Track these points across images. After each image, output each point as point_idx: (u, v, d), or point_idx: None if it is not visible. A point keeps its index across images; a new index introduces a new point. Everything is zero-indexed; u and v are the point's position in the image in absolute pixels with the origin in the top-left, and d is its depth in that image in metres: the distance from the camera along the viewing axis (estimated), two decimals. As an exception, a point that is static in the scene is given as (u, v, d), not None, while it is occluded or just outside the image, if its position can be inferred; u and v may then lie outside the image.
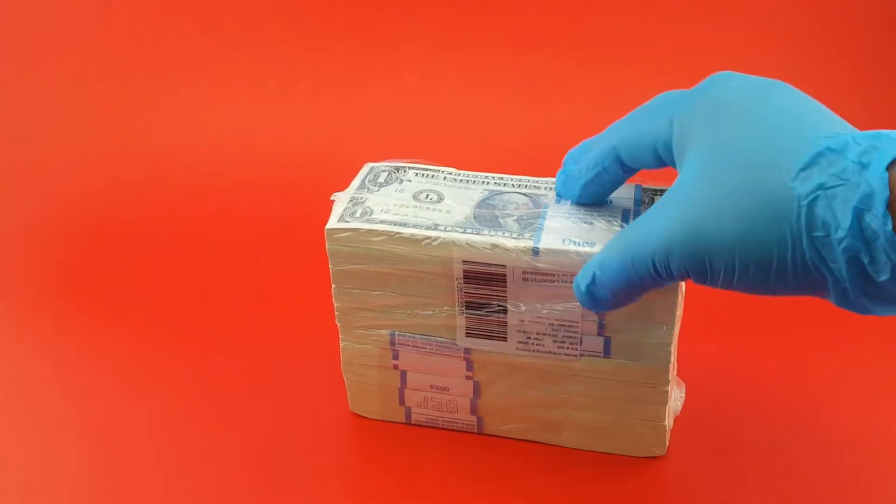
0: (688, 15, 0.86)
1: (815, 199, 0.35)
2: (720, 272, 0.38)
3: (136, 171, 0.83)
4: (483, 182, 0.52)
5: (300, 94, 0.86)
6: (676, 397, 0.55)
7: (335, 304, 0.52)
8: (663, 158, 0.43)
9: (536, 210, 0.49)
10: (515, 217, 0.49)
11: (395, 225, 0.49)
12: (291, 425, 0.57)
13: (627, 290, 0.42)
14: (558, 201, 0.50)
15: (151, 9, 0.87)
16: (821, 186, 0.35)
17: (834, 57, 0.84)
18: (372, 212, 0.50)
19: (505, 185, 0.52)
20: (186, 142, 0.85)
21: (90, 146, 0.85)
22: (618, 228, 0.48)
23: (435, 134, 0.83)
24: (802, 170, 0.35)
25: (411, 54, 0.87)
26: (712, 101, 0.40)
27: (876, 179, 0.34)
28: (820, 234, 0.35)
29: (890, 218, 0.33)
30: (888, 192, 0.33)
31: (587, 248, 0.46)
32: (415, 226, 0.49)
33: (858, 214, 0.34)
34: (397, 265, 0.49)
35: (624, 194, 0.51)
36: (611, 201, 0.50)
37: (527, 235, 0.47)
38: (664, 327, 0.48)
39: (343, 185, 0.53)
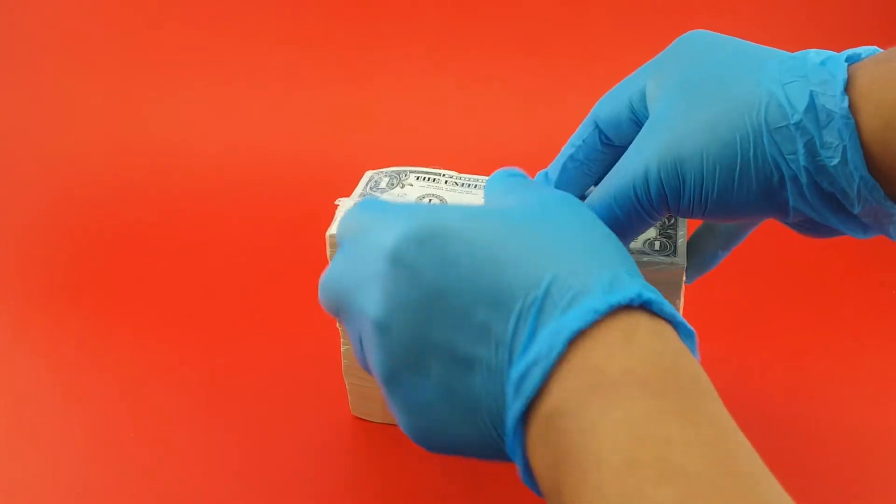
0: (688, 16, 0.86)
1: (774, 94, 0.37)
2: (691, 182, 0.39)
3: (137, 172, 0.83)
4: (483, 186, 0.52)
5: (301, 94, 0.86)
6: None
7: (336, 309, 0.52)
8: (639, 116, 0.44)
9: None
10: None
11: None
12: (293, 429, 0.57)
13: (615, 231, 0.41)
14: None
15: (152, 9, 0.87)
16: (781, 82, 0.37)
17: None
18: (373, 216, 0.50)
19: (506, 190, 0.52)
20: (187, 142, 0.84)
21: (90, 146, 0.85)
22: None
23: (436, 135, 0.83)
24: (766, 74, 0.38)
25: (412, 55, 0.86)
26: (679, 50, 0.42)
27: (835, 66, 0.36)
28: (780, 123, 0.37)
29: (847, 98, 0.35)
30: (846, 76, 0.36)
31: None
32: None
33: (814, 97, 0.36)
34: None
35: None
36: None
37: None
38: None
39: (344, 186, 0.53)
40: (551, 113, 0.84)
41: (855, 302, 0.67)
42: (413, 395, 0.35)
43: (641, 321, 0.32)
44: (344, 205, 0.51)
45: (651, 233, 0.47)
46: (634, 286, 0.32)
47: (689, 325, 0.33)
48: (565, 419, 0.30)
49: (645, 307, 0.32)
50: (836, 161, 0.36)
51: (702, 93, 0.39)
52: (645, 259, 0.46)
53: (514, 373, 0.32)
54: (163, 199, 0.80)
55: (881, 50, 0.38)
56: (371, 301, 0.35)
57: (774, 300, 0.68)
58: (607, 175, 0.43)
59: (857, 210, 0.38)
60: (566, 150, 0.47)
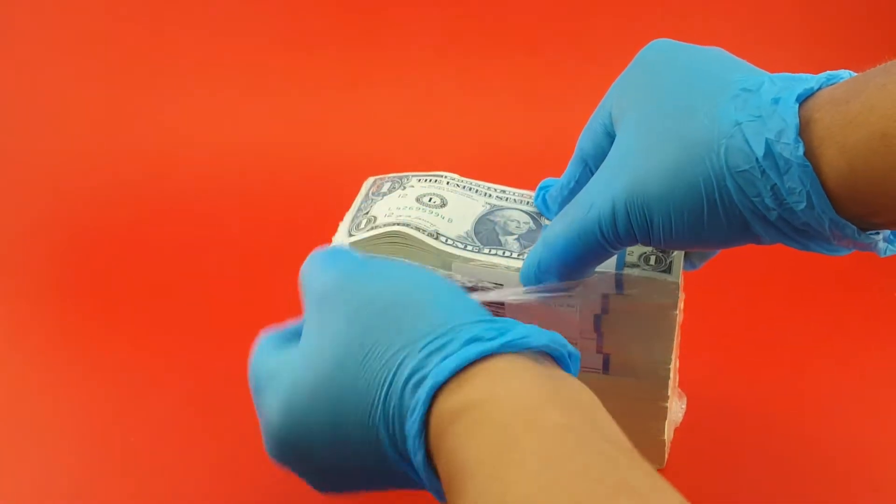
0: (689, 16, 0.85)
1: (732, 137, 0.36)
2: (659, 224, 0.38)
3: (135, 173, 0.82)
4: (485, 194, 0.52)
5: (302, 97, 0.85)
6: (677, 409, 0.55)
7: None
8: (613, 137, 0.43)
9: (536, 230, 0.49)
10: (516, 236, 0.48)
11: (396, 225, 0.48)
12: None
13: (576, 265, 0.42)
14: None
15: (152, 9, 0.86)
16: (737, 123, 0.36)
17: (834, 57, 0.83)
18: (376, 219, 0.49)
19: (507, 199, 0.51)
20: (187, 144, 0.84)
21: (90, 146, 0.84)
22: None
23: (436, 137, 0.82)
24: (721, 111, 0.37)
25: (414, 58, 0.86)
26: (642, 65, 0.42)
27: (787, 111, 0.36)
28: (741, 167, 0.36)
29: (801, 144, 0.35)
30: (797, 121, 0.35)
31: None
32: (417, 228, 0.48)
33: (770, 145, 0.35)
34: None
35: None
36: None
37: (526, 255, 0.47)
38: (663, 346, 0.48)
39: (345, 189, 0.53)
40: (553, 115, 0.83)
41: (855, 307, 0.67)
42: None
43: (450, 403, 0.32)
44: (345, 219, 0.51)
45: (647, 247, 0.47)
46: (426, 383, 0.33)
47: (496, 344, 0.33)
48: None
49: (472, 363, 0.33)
50: (802, 206, 0.36)
51: (661, 129, 0.39)
52: (638, 274, 0.46)
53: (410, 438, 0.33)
54: (162, 200, 0.80)
55: (832, 76, 0.37)
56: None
57: (774, 306, 0.67)
58: (567, 206, 0.42)
59: (833, 243, 0.37)
60: (561, 192, 0.47)
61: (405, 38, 0.85)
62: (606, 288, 0.46)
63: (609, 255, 0.42)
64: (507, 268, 0.47)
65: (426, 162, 0.55)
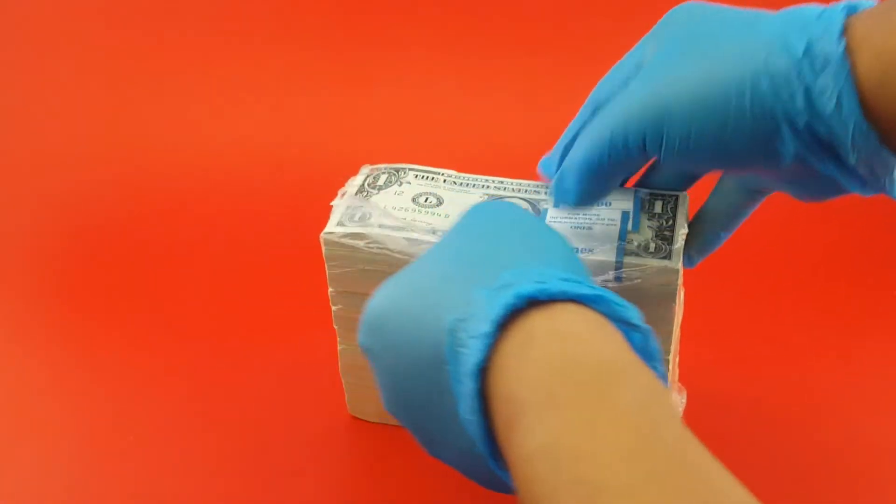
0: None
1: (773, 42, 0.37)
2: (680, 126, 0.38)
3: (136, 172, 0.83)
4: (483, 186, 0.52)
5: (300, 94, 0.86)
6: (676, 403, 0.55)
7: (332, 308, 0.52)
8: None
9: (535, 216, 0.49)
10: (514, 223, 0.49)
11: (392, 229, 0.48)
12: (291, 428, 0.57)
13: (590, 174, 0.43)
14: (557, 206, 0.50)
15: (151, 8, 0.87)
16: (780, 32, 0.37)
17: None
18: (370, 216, 0.50)
19: (504, 189, 0.52)
20: (186, 142, 0.84)
21: (90, 146, 0.85)
22: (616, 232, 0.47)
23: (435, 135, 0.83)
24: (764, 23, 0.38)
25: (412, 55, 0.86)
26: (673, 17, 0.42)
27: (833, 15, 0.36)
28: (779, 66, 0.36)
29: (844, 41, 0.35)
30: (841, 25, 0.36)
31: (586, 254, 0.46)
32: (413, 230, 0.48)
33: (811, 43, 0.36)
34: (394, 270, 0.49)
35: (623, 197, 0.51)
36: (609, 203, 0.50)
37: None
38: (662, 337, 0.48)
39: (343, 186, 0.53)
40: (551, 112, 0.83)
41: (856, 302, 0.67)
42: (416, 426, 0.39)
43: (536, 323, 0.32)
44: (339, 206, 0.51)
45: (647, 234, 0.47)
46: (513, 288, 0.33)
47: (592, 292, 0.33)
48: (508, 455, 0.31)
49: (538, 300, 0.33)
50: (831, 107, 0.36)
51: (698, 44, 0.39)
52: (638, 261, 0.46)
53: (462, 421, 0.34)
54: (159, 198, 0.80)
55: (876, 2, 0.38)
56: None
57: (775, 300, 0.67)
58: (592, 121, 0.43)
59: (852, 160, 0.37)
60: (565, 136, 0.48)
61: (405, 37, 0.86)
62: (605, 276, 0.46)
63: (622, 173, 0.43)
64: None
65: (425, 159, 0.55)
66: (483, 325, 0.32)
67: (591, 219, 0.49)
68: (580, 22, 0.85)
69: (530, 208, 0.50)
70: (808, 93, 0.36)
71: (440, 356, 0.34)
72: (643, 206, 0.49)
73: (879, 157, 0.37)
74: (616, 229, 0.47)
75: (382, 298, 0.38)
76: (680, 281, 0.47)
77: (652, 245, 0.46)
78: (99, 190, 0.81)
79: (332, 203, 0.51)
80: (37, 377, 0.62)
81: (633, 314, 0.34)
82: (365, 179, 0.53)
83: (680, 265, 0.46)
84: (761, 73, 0.37)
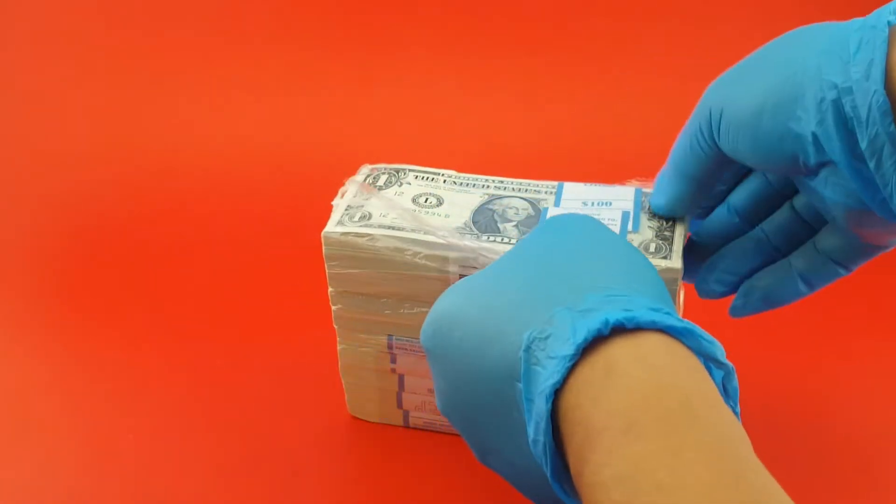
0: (688, 15, 0.86)
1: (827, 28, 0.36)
2: (724, 126, 0.39)
3: (136, 172, 0.83)
4: (483, 186, 0.52)
5: (300, 94, 0.86)
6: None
7: (332, 308, 0.52)
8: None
9: (535, 216, 0.49)
10: (514, 223, 0.49)
11: (392, 229, 0.48)
12: (290, 428, 0.57)
13: (677, 173, 0.43)
14: (557, 205, 0.50)
15: (151, 8, 0.87)
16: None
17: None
18: (370, 216, 0.50)
19: (505, 188, 0.52)
20: (186, 142, 0.84)
21: (90, 146, 0.85)
22: (616, 231, 0.47)
23: (436, 135, 0.83)
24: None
25: (412, 55, 0.86)
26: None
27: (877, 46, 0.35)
28: (827, 47, 0.36)
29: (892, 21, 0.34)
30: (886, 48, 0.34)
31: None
32: (413, 230, 0.48)
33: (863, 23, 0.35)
34: (394, 270, 0.49)
35: (623, 196, 0.51)
36: (610, 203, 0.50)
37: None
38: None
39: (342, 187, 0.53)
40: (551, 112, 0.84)
41: (855, 303, 0.67)
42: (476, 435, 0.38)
43: (619, 350, 0.32)
44: (339, 206, 0.51)
45: (647, 234, 0.47)
46: (600, 314, 0.32)
47: (681, 325, 0.33)
48: (578, 482, 0.31)
49: (625, 328, 0.32)
50: (859, 74, 0.35)
51: (765, 53, 0.40)
52: None
53: (529, 439, 0.33)
54: (159, 198, 0.80)
55: None
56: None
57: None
58: None
59: (863, 144, 0.35)
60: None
61: (405, 37, 0.86)
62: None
63: (705, 174, 0.42)
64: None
65: (425, 159, 0.55)
66: (565, 347, 0.32)
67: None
68: (580, 22, 0.85)
69: (530, 207, 0.50)
70: (845, 69, 0.35)
71: (511, 370, 0.34)
72: (644, 206, 0.49)
73: (889, 144, 0.36)
74: (616, 229, 0.47)
75: (452, 302, 0.37)
76: (679, 282, 0.47)
77: (652, 245, 0.46)
78: (99, 190, 0.81)
79: (332, 203, 0.51)
80: (37, 377, 0.62)
81: (719, 351, 0.34)
82: (364, 179, 0.53)
83: (680, 265, 0.46)
84: (826, 89, 0.36)
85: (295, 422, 0.57)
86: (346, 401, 0.57)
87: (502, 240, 0.47)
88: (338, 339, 0.54)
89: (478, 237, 0.48)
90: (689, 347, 0.33)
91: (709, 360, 0.34)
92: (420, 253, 0.48)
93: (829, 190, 0.38)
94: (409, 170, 0.54)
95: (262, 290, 0.69)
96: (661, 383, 0.30)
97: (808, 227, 0.46)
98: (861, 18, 0.37)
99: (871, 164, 0.35)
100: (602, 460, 0.29)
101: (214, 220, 0.78)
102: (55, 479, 0.54)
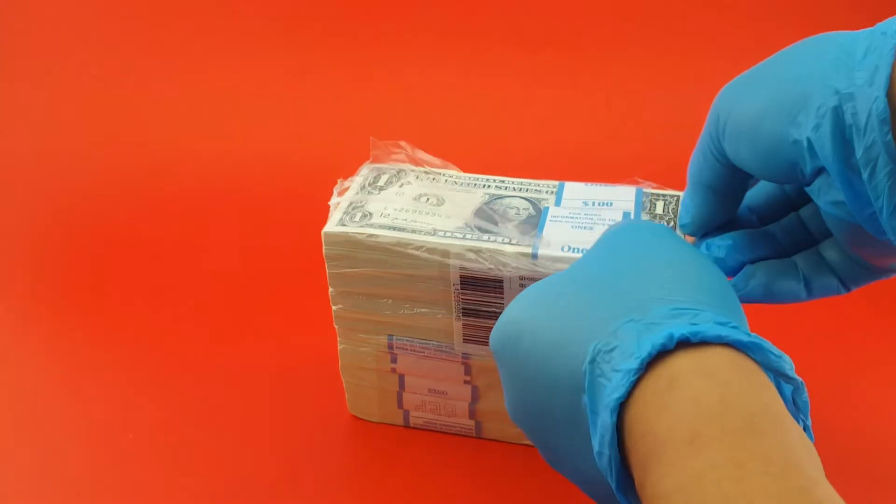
0: (688, 15, 0.85)
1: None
2: (726, 138, 0.38)
3: (136, 172, 0.83)
4: (484, 185, 0.52)
5: (300, 95, 0.86)
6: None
7: (333, 308, 0.52)
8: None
9: (536, 215, 0.49)
10: (515, 223, 0.49)
11: (393, 230, 0.48)
12: (291, 428, 0.57)
13: (696, 185, 0.42)
14: (558, 205, 0.50)
15: (151, 9, 0.87)
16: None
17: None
18: (371, 215, 0.49)
19: (506, 188, 0.52)
20: (186, 143, 0.84)
21: (90, 146, 0.85)
22: None
23: (436, 134, 0.83)
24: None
25: (413, 55, 0.86)
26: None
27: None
28: (835, 56, 0.35)
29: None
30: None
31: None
32: (413, 230, 0.48)
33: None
34: (395, 269, 0.49)
35: (624, 196, 0.50)
36: (611, 203, 0.50)
37: (525, 241, 0.47)
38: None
39: (341, 186, 0.53)
40: (551, 112, 0.84)
41: (857, 304, 0.66)
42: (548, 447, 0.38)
43: (684, 363, 0.31)
44: (339, 206, 0.51)
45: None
46: (665, 328, 0.32)
47: (748, 339, 0.32)
48: (642, 493, 0.31)
49: (690, 342, 0.32)
50: (862, 80, 0.34)
51: (774, 62, 0.39)
52: None
53: (594, 451, 0.33)
54: (160, 199, 0.80)
55: None
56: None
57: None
58: None
59: (859, 153, 0.34)
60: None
61: (406, 37, 0.86)
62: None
63: (724, 186, 0.41)
64: (506, 253, 0.47)
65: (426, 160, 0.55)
66: (629, 361, 0.32)
67: (592, 219, 0.49)
68: (581, 22, 0.85)
69: (530, 207, 0.50)
70: (850, 74, 0.34)
71: (576, 381, 0.34)
72: (644, 207, 0.49)
73: (885, 155, 0.36)
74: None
75: (521, 310, 0.37)
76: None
77: None
78: (99, 190, 0.81)
79: (329, 202, 0.51)
80: (36, 376, 0.62)
81: (788, 366, 0.33)
82: (366, 179, 0.53)
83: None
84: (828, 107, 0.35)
85: (295, 421, 0.57)
86: (346, 401, 0.57)
87: (503, 240, 0.47)
88: (338, 339, 0.54)
89: (479, 237, 0.47)
90: (757, 362, 0.33)
91: (777, 375, 0.33)
92: (420, 253, 0.48)
93: (822, 200, 0.38)
94: (410, 169, 0.54)
95: (262, 291, 0.69)
96: (726, 398, 0.30)
97: (814, 237, 0.46)
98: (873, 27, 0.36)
99: (865, 175, 0.35)
100: (665, 471, 0.29)
101: (215, 221, 0.78)
102: (56, 478, 0.54)
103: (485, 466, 0.54)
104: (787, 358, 0.33)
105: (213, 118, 0.86)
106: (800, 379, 0.34)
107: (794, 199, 0.45)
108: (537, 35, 0.86)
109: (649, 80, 0.85)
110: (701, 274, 0.37)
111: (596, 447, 0.33)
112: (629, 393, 0.32)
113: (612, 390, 0.32)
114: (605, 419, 0.32)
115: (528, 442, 0.55)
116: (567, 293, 0.37)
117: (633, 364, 0.31)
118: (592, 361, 0.33)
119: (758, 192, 0.46)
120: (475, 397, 0.53)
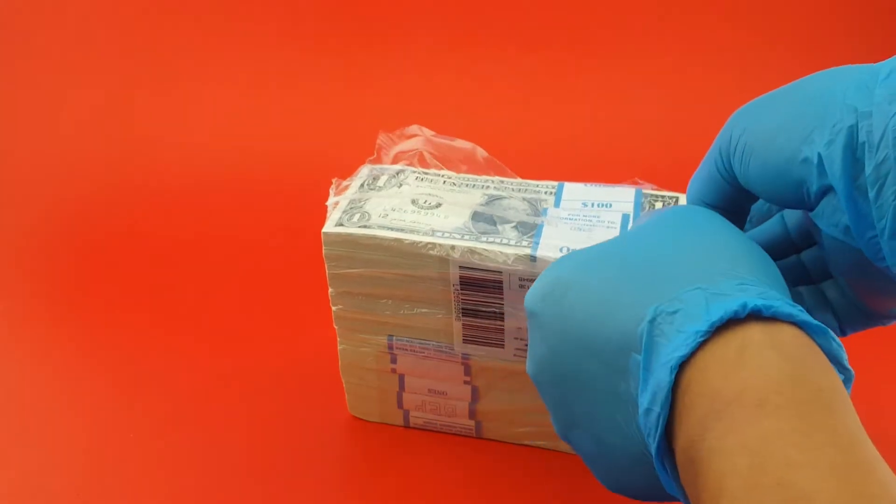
0: (688, 15, 0.85)
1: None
2: (751, 150, 0.38)
3: (136, 172, 0.83)
4: (483, 186, 0.52)
5: (300, 94, 0.86)
6: None
7: (332, 308, 0.52)
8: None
9: (535, 216, 0.49)
10: (514, 223, 0.49)
11: (391, 230, 0.48)
12: (291, 428, 0.57)
13: (706, 194, 0.42)
14: (557, 206, 0.50)
15: (151, 9, 0.87)
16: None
17: (836, 60, 0.84)
18: (370, 216, 0.50)
19: (505, 189, 0.52)
20: (186, 142, 0.85)
21: (90, 147, 0.85)
22: (616, 234, 0.47)
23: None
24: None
25: (413, 55, 0.86)
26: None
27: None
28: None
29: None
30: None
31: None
32: (412, 231, 0.48)
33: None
34: (394, 270, 0.49)
35: (623, 198, 0.50)
36: (610, 205, 0.50)
37: (524, 242, 0.47)
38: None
39: (339, 186, 0.53)
40: (551, 112, 0.84)
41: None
42: (581, 436, 0.38)
43: (755, 333, 0.32)
44: (339, 206, 0.51)
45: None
46: (737, 298, 0.32)
47: (815, 322, 0.33)
48: (693, 449, 0.31)
49: (761, 315, 0.32)
50: (881, 98, 0.34)
51: (790, 89, 0.39)
52: None
53: (641, 409, 0.33)
54: (159, 198, 0.80)
55: None
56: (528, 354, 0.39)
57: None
58: None
59: (868, 170, 0.35)
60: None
61: (406, 38, 0.86)
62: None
63: (730, 205, 0.41)
64: (505, 254, 0.47)
65: (425, 159, 0.55)
66: (697, 323, 0.32)
67: (591, 220, 0.49)
68: (581, 22, 0.85)
69: (529, 208, 0.50)
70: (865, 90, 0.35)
71: (627, 341, 0.34)
72: (644, 208, 0.49)
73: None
74: (616, 231, 0.47)
75: (568, 269, 0.37)
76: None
77: None
78: (99, 190, 0.81)
79: (327, 203, 0.51)
80: (37, 376, 0.62)
81: (844, 355, 0.34)
82: (365, 179, 0.53)
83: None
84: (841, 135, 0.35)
85: (296, 421, 0.57)
86: (346, 401, 0.57)
87: (501, 240, 0.47)
88: (338, 339, 0.54)
89: (478, 238, 0.48)
90: (820, 346, 0.33)
91: (833, 363, 0.34)
92: (419, 253, 0.48)
93: (825, 223, 0.38)
94: (410, 170, 0.54)
95: (262, 291, 0.69)
96: (797, 372, 0.31)
97: (813, 280, 0.46)
98: None
99: (872, 193, 0.35)
100: (729, 427, 0.30)
101: (215, 220, 0.78)
102: (56, 478, 0.54)
103: (485, 466, 0.54)
104: (842, 347, 0.34)
105: (213, 118, 0.86)
106: (852, 370, 0.34)
107: (797, 240, 0.45)
108: (537, 35, 0.86)
109: (649, 80, 0.85)
110: (762, 258, 0.37)
111: (645, 404, 0.33)
112: (691, 354, 0.32)
113: (674, 349, 0.32)
114: (661, 377, 0.32)
115: (528, 442, 0.55)
116: (618, 260, 0.37)
117: (703, 326, 0.32)
118: (652, 321, 0.33)
119: (761, 232, 0.46)
120: (475, 397, 0.53)
